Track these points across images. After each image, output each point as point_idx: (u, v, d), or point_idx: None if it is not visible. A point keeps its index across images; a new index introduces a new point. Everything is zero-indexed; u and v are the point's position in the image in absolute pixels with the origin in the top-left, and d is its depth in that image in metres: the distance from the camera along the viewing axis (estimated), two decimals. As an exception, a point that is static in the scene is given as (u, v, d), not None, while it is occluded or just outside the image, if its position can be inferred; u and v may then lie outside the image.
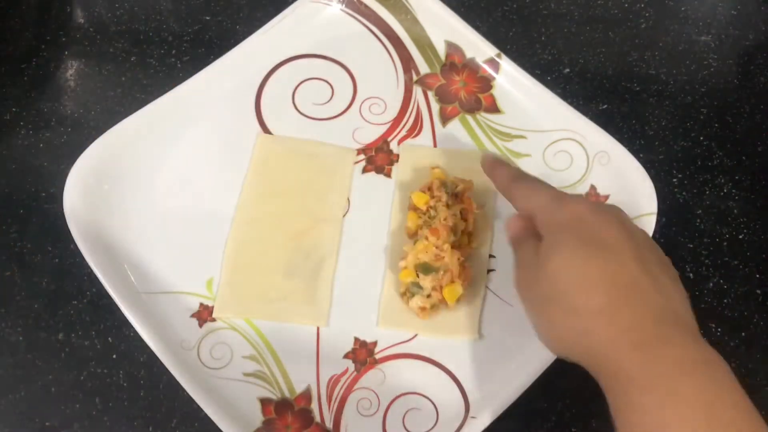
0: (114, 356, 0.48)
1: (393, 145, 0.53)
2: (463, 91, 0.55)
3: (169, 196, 0.51)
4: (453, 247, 0.46)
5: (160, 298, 0.48)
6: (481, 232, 0.50)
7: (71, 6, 0.62)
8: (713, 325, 0.49)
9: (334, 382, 0.46)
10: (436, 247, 0.46)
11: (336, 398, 0.46)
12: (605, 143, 0.51)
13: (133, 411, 0.46)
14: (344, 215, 0.51)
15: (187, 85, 0.53)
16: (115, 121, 0.51)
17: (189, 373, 0.44)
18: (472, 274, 0.47)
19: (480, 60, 0.55)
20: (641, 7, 0.62)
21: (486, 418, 0.43)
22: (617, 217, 0.38)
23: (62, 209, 0.48)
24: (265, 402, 0.45)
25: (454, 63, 0.56)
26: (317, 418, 0.45)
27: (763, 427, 0.31)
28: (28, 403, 0.46)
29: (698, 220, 0.52)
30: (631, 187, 0.49)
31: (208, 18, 0.61)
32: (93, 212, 0.49)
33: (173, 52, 0.59)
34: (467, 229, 0.48)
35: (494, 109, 0.54)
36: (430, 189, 0.49)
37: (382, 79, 0.56)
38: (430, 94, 0.55)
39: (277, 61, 0.56)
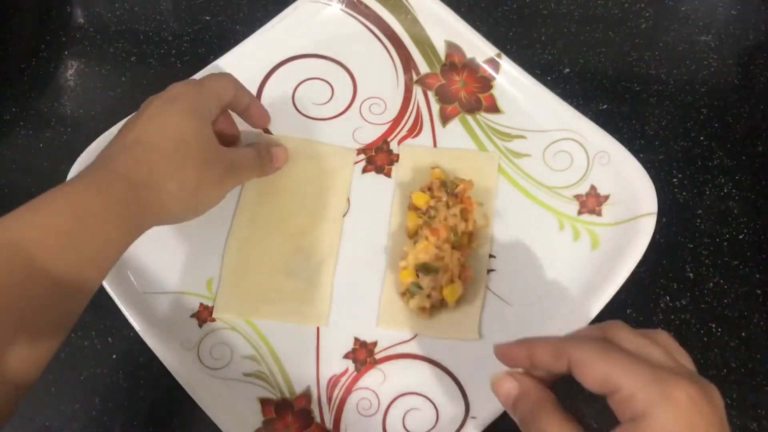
0: (114, 356, 0.48)
1: (393, 145, 0.53)
2: (463, 91, 0.55)
3: (169, 196, 0.51)
4: (453, 247, 0.46)
5: (160, 298, 0.48)
6: (481, 232, 0.50)
7: (71, 6, 0.62)
8: (713, 325, 0.49)
9: (334, 382, 0.46)
10: (436, 247, 0.46)
11: (336, 398, 0.46)
12: (605, 143, 0.51)
13: (133, 411, 0.46)
14: (344, 215, 0.51)
15: (187, 85, 0.53)
16: (115, 121, 0.51)
17: (189, 373, 0.44)
18: (472, 274, 0.47)
19: (480, 60, 0.55)
20: (641, 7, 0.62)
21: (486, 418, 0.43)
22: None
23: (62, 209, 0.48)
24: (265, 402, 0.45)
25: (454, 63, 0.56)
26: (317, 419, 0.45)
27: None
28: (28, 403, 0.46)
29: (698, 220, 0.52)
30: (631, 187, 0.49)
31: (208, 18, 0.61)
32: (93, 212, 0.49)
33: (173, 52, 0.59)
34: (467, 229, 0.48)
35: (494, 109, 0.54)
36: (430, 189, 0.49)
37: (382, 79, 0.56)
38: (430, 94, 0.55)
39: (277, 61, 0.56)
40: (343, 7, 0.58)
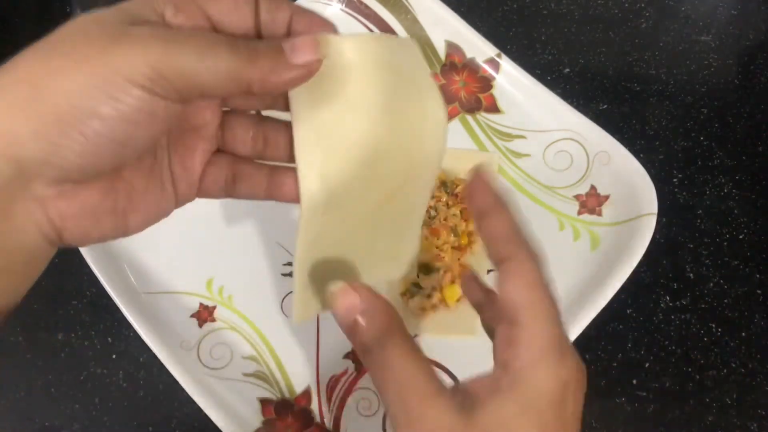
0: (114, 356, 0.48)
1: (393, 145, 0.53)
2: (463, 91, 0.55)
3: (169, 196, 0.51)
4: (453, 247, 0.46)
5: (160, 298, 0.48)
6: (481, 232, 0.49)
7: (71, 6, 0.62)
8: (713, 325, 0.49)
9: (334, 382, 0.46)
10: (436, 247, 0.46)
11: (336, 398, 0.46)
12: (605, 143, 0.51)
13: (133, 411, 0.46)
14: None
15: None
16: (115, 121, 0.51)
17: (189, 373, 0.44)
18: (472, 274, 0.47)
19: (480, 60, 0.55)
20: (641, 7, 0.62)
21: (486, 418, 0.43)
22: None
23: (62, 209, 0.48)
24: (265, 402, 0.45)
25: (454, 63, 0.56)
26: (317, 419, 0.45)
27: None
28: (28, 403, 0.46)
29: (698, 220, 0.52)
30: (631, 187, 0.49)
31: (208, 18, 0.61)
32: (93, 212, 0.49)
33: (173, 52, 0.59)
34: (467, 229, 0.48)
35: (494, 109, 0.54)
36: (430, 189, 0.49)
37: (382, 79, 0.56)
38: (430, 94, 0.55)
39: (277, 61, 0.56)
40: (343, 7, 0.58)
